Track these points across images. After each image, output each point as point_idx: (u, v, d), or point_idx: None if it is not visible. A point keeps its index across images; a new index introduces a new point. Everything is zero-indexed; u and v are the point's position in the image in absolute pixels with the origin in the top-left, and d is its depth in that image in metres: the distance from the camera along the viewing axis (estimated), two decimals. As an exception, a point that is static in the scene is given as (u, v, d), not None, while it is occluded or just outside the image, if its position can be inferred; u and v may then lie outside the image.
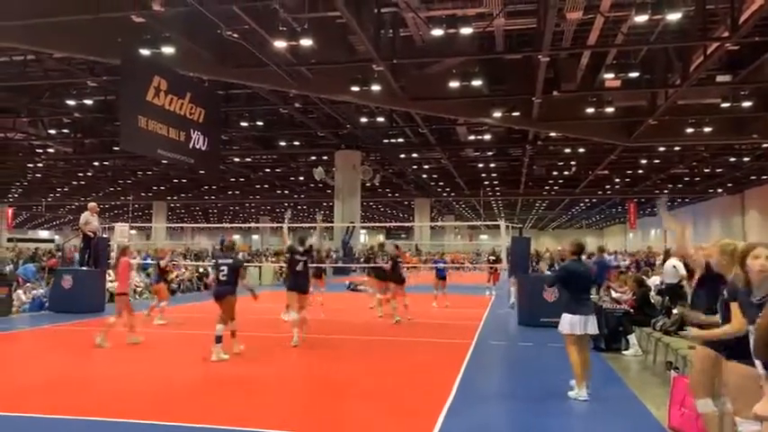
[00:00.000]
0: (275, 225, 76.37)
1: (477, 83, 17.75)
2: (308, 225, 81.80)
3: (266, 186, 49.59)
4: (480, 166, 38.39)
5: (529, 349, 9.46)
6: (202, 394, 6.32)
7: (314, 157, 35.66)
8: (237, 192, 53.53)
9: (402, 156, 35.39)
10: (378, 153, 34.63)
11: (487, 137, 28.95)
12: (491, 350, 9.46)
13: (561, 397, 6.13)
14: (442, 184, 47.02)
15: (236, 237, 77.10)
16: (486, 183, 45.54)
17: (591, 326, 6.16)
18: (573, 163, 36.41)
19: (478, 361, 8.39)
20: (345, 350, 9.32)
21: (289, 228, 11.51)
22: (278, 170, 41.61)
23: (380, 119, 25.54)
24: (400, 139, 31.09)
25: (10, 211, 60.43)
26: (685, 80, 16.36)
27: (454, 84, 17.88)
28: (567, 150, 31.75)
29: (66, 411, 5.47)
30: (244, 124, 26.99)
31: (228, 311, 8.28)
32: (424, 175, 42.79)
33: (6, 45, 17.57)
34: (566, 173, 39.74)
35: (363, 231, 64.03)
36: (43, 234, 76.10)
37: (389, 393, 6.41)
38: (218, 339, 8.03)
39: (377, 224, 74.27)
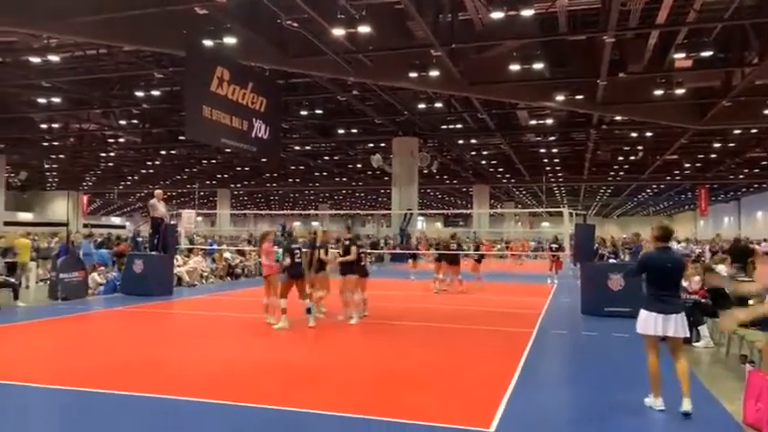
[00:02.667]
0: (335, 212, 77.45)
1: (538, 66, 17.28)
2: (364, 212, 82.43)
3: (325, 174, 50.21)
4: (542, 151, 37.53)
5: (593, 339, 9.22)
6: (260, 377, 6.48)
7: (372, 145, 35.79)
8: (297, 179, 54.46)
9: (460, 142, 35.02)
10: (435, 139, 34.39)
11: (549, 121, 28.24)
12: (553, 339, 9.28)
13: (626, 387, 5.94)
14: (501, 170, 46.27)
15: (297, 224, 78.66)
16: (548, 168, 44.50)
17: (673, 327, 5.17)
18: (640, 147, 35.04)
19: (540, 349, 8.24)
20: (405, 336, 9.35)
21: (348, 216, 12.18)
22: (336, 158, 42.03)
23: (438, 105, 25.31)
24: (459, 125, 30.76)
25: (85, 198, 63.76)
26: (763, 58, 15.39)
27: (515, 67, 17.49)
28: (634, 134, 30.59)
29: (146, 389, 5.72)
30: (303, 113, 27.36)
31: (303, 288, 9.61)
32: (483, 162, 42.22)
33: (81, 40, 18.43)
34: (632, 158, 38.33)
35: (421, 219, 63.98)
36: (115, 220, 79.85)
37: (450, 379, 6.39)
38: (309, 311, 9.54)
39: (434, 211, 74.00)
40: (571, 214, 15.28)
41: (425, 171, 34.59)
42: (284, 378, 6.38)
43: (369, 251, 14.24)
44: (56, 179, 57.31)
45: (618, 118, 25.90)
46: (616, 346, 8.56)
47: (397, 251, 28.79)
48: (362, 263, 10.83)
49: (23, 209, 61.10)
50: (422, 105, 25.62)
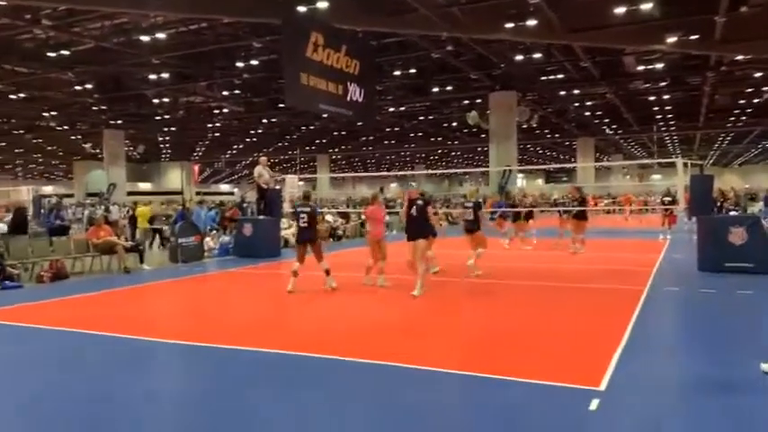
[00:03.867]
0: (431, 172, 77.18)
1: (646, 6, 16.02)
2: (461, 171, 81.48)
3: (420, 134, 49.99)
4: (652, 98, 35.02)
5: (711, 297, 8.63)
6: (367, 334, 6.65)
7: (467, 102, 35.04)
8: (393, 141, 54.65)
9: (562, 93, 33.42)
10: (535, 92, 33.06)
11: (660, 66, 26.19)
12: (666, 297, 8.79)
13: (746, 348, 5.52)
14: (607, 120, 43.84)
15: (394, 185, 79.27)
16: (659, 117, 41.57)
17: None
18: (765, 89, 31.76)
19: (652, 308, 7.84)
20: (509, 295, 9.23)
21: (444, 175, 11.87)
22: (431, 117, 41.62)
23: (537, 55, 24.21)
24: (559, 76, 29.30)
25: (196, 167, 67.82)
26: None
27: (620, 9, 16.33)
28: (758, 75, 27.72)
29: (264, 345, 6.08)
30: (397, 73, 27.19)
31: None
32: (587, 113, 40.14)
33: (184, 15, 19.29)
34: (756, 100, 34.85)
35: (521, 175, 62.31)
36: (224, 187, 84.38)
37: (556, 338, 6.24)
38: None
39: (535, 167, 71.75)
40: (685, 165, 14.19)
41: (524, 126, 33.46)
42: (389, 335, 6.51)
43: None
44: (169, 150, 61.20)
45: (739, 57, 23.53)
46: (738, 305, 7.98)
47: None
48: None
49: (142, 179, 66.11)
50: (519, 57, 24.63)
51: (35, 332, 7.01)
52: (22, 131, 43.69)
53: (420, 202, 9.11)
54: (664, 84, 30.98)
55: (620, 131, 47.60)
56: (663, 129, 45.47)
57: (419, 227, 8.98)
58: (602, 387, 4.59)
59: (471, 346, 6.06)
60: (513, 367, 5.16)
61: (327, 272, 9.38)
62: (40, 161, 64.41)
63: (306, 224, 9.40)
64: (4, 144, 51.10)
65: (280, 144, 55.35)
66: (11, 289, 10.15)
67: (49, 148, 54.24)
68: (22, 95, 31.41)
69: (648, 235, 19.32)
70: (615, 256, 13.77)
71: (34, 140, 48.63)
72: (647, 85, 31.42)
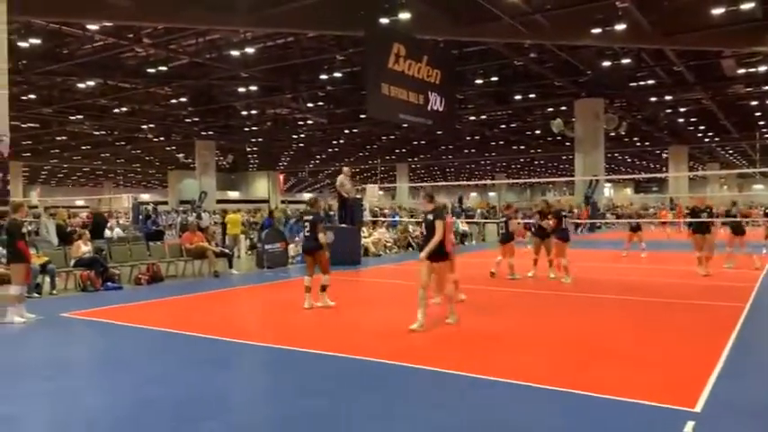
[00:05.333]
0: (512, 181, 75.75)
1: (747, 6, 15.04)
2: (545, 180, 79.41)
3: (501, 143, 49.28)
4: (753, 103, 32.81)
5: (823, 317, 7.94)
6: (447, 343, 6.59)
7: (551, 109, 34.24)
8: (473, 149, 54.19)
9: (652, 99, 31.98)
10: (623, 99, 31.83)
11: (763, 68, 24.51)
12: (771, 316, 8.16)
13: None
14: (702, 128, 41.47)
15: (473, 194, 78.48)
16: (762, 123, 38.84)
17: None
18: None
19: (754, 327, 7.30)
20: (598, 309, 8.89)
21: (527, 184, 11.42)
22: (513, 125, 40.96)
23: (626, 60, 23.33)
24: (650, 81, 28.08)
25: (281, 177, 70.08)
26: None
27: (717, 10, 15.46)
28: None
29: (340, 350, 6.18)
30: (478, 81, 27.00)
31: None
32: (680, 119, 38.15)
33: (271, 30, 20.07)
34: None
35: (608, 185, 60.00)
36: (307, 196, 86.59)
37: (649, 354, 5.94)
38: (323, 288, 8.67)
39: (623, 176, 68.83)
40: (792, 173, 13.17)
41: (612, 134, 32.23)
42: (477, 345, 6.43)
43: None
44: (256, 160, 63.67)
45: None
46: None
47: (583, 220, 27.37)
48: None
49: (231, 188, 69.09)
50: (606, 63, 23.82)
51: (133, 331, 7.47)
52: (123, 143, 46.89)
53: (430, 216, 7.24)
54: (767, 87, 28.94)
55: (716, 138, 44.87)
56: (766, 135, 42.41)
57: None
58: (698, 409, 4.33)
59: (559, 360, 5.86)
60: (602, 383, 4.96)
61: (324, 288, 8.62)
62: (139, 170, 68.85)
63: (308, 233, 8.81)
64: (107, 154, 55.07)
65: (361, 154, 56.25)
66: (112, 290, 10.87)
67: (147, 158, 57.90)
68: (124, 109, 33.76)
69: (751, 249, 18.05)
70: (714, 270, 12.94)
71: (133, 151, 52.05)
72: (749, 89, 29.48)
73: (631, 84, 28.59)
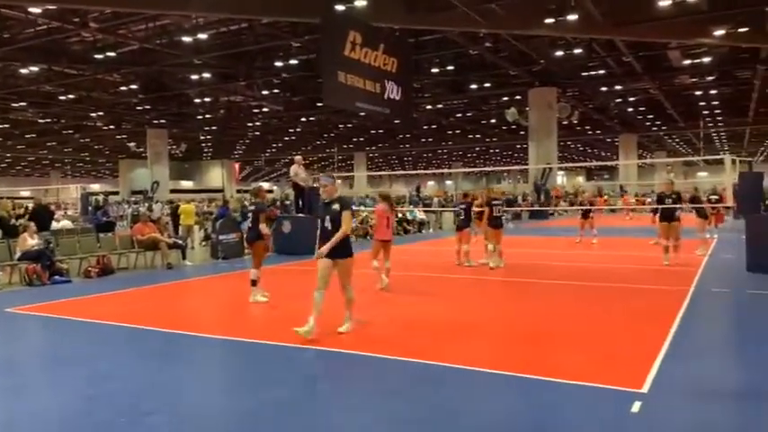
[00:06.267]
0: (468, 170, 76.60)
1: (693, -2, 15.53)
2: (500, 169, 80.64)
3: (458, 132, 49.73)
4: (698, 93, 34.03)
5: (760, 298, 8.33)
6: (406, 332, 6.64)
7: (506, 98, 34.71)
8: (430, 139, 54.52)
9: (603, 89, 32.78)
10: (576, 88, 32.51)
11: (707, 59, 25.45)
12: (712, 298, 8.52)
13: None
14: (650, 117, 42.78)
15: (431, 183, 79.05)
16: (706, 113, 40.36)
17: None
18: (820, 81, 30.47)
19: (697, 309, 7.62)
20: (548, 295, 9.10)
21: (483, 173, 11.54)
22: (469, 114, 41.38)
23: (578, 51, 23.83)
24: (601, 71, 28.77)
25: (237, 165, 68.98)
26: None
27: (665, 2, 15.97)
28: (813, 67, 26.62)
29: (293, 340, 6.15)
30: (434, 70, 27.13)
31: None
32: (630, 109, 39.28)
33: (224, 16, 19.62)
34: (810, 94, 33.49)
35: (561, 173, 61.33)
36: (264, 185, 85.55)
37: (597, 338, 6.14)
38: (254, 283, 8.38)
39: (575, 164, 70.47)
40: (733, 162, 13.73)
41: (565, 122, 32.92)
42: (430, 333, 6.49)
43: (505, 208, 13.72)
44: (210, 149, 62.46)
45: (792, 49, 22.70)
46: (790, 307, 7.68)
47: (535, 208, 27.94)
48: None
49: (185, 177, 67.62)
50: (559, 53, 24.28)
51: (83, 325, 7.25)
52: (71, 131, 45.25)
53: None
54: (711, 78, 30.06)
55: (664, 128, 46.37)
56: (710, 125, 44.08)
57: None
58: (645, 389, 4.49)
59: (509, 345, 6.00)
60: (552, 368, 5.08)
61: (254, 282, 8.39)
62: (88, 160, 66.61)
63: (251, 223, 8.54)
64: (54, 143, 53.03)
65: (318, 142, 55.86)
66: (60, 284, 10.52)
67: (96, 147, 56.03)
68: (70, 96, 32.54)
69: (693, 235, 18.80)
70: (658, 255, 13.42)
71: (82, 140, 50.32)
72: (694, 80, 30.56)
73: (583, 73, 29.23)
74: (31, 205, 16.45)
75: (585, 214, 16.54)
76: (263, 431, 3.98)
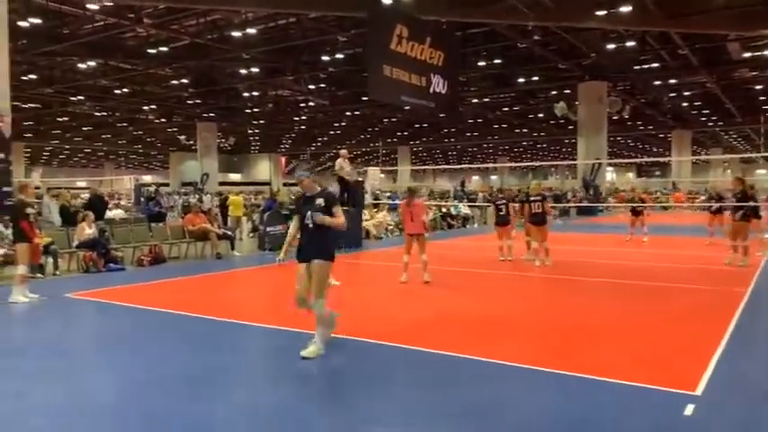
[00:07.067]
0: (515, 164, 75.52)
1: (756, -14, 14.86)
2: (547, 164, 79.21)
3: (504, 126, 49.05)
4: (758, 87, 32.57)
5: (824, 302, 7.96)
6: (443, 326, 6.62)
7: (554, 92, 34.04)
8: (476, 133, 53.96)
9: (657, 83, 31.76)
10: (627, 82, 31.61)
11: (768, 52, 24.33)
12: (771, 301, 8.18)
13: None
14: (706, 112, 41.23)
15: (475, 177, 78.30)
16: (767, 107, 38.60)
17: None
18: None
19: (756, 311, 7.33)
20: (597, 292, 8.92)
21: (529, 168, 11.40)
22: (516, 108, 40.74)
23: (630, 43, 23.13)
24: (654, 64, 27.86)
25: (283, 159, 69.93)
26: None
27: (725, -9, 15.23)
28: None
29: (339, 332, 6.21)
30: (481, 63, 26.80)
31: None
32: (684, 104, 37.92)
33: (273, 11, 19.87)
34: None
35: (610, 169, 59.83)
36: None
37: (649, 338, 5.97)
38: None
39: (626, 160, 68.62)
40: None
41: (615, 117, 32.07)
42: (471, 327, 6.46)
43: (552, 204, 13.48)
44: (258, 143, 63.47)
45: None
46: None
47: (583, 204, 27.35)
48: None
49: (233, 170, 68.99)
50: (611, 45, 23.62)
51: (136, 312, 7.51)
52: (125, 124, 46.75)
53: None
54: (773, 71, 28.74)
55: (720, 123, 44.61)
56: (771, 119, 42.19)
57: None
58: (699, 392, 4.36)
59: (558, 343, 5.89)
60: (599, 366, 4.98)
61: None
62: (140, 152, 68.69)
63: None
64: (109, 136, 54.91)
65: (362, 136, 56.05)
66: (115, 271, 10.92)
67: (149, 139, 57.72)
68: (125, 90, 33.60)
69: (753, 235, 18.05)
70: (713, 255, 12.94)
71: (135, 132, 51.90)
72: (754, 73, 29.24)
73: (635, 67, 28.38)
74: (86, 195, 17.14)
75: (636, 211, 16.10)
76: (307, 421, 4.05)
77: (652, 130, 48.66)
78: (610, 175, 52.94)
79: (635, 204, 16.55)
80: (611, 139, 41.57)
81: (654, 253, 13.66)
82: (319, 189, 5.53)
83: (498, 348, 5.56)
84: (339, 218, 5.41)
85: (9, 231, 9.25)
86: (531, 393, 4.53)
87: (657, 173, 75.13)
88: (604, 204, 28.56)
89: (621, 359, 5.24)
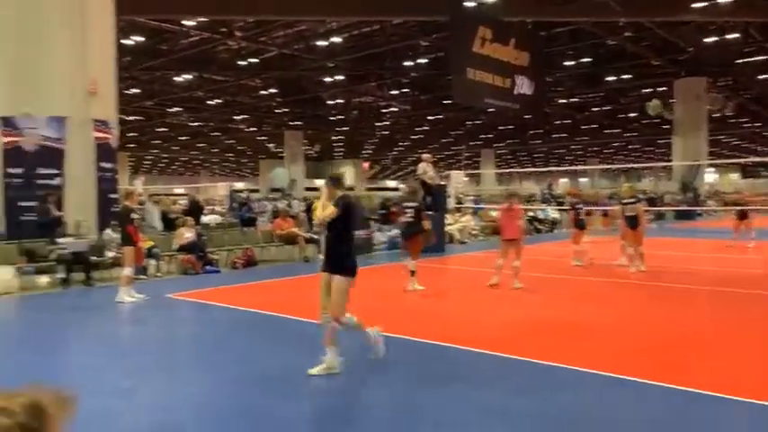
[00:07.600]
0: (605, 166, 72.57)
1: None
2: (640, 166, 75.52)
3: (593, 126, 47.31)
4: None
5: None
6: (537, 333, 6.46)
7: (647, 90, 32.44)
8: (563, 134, 52.36)
9: (762, 77, 29.54)
10: (729, 77, 29.62)
11: None
12: None
13: None
14: (819, 106, 37.85)
15: (563, 180, 75.96)
16: None
17: None
18: None
19: None
20: (694, 300, 8.41)
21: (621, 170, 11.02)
22: (606, 108, 39.19)
23: (732, 36, 21.66)
24: (759, 57, 25.91)
25: (366, 164, 70.91)
26: None
27: (843, -26, 13.97)
28: None
29: (429, 337, 6.21)
30: (568, 63, 26.03)
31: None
32: (795, 98, 35.06)
33: (356, 18, 20.25)
34: None
35: (711, 170, 56.23)
36: (390, 184, 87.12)
37: (755, 350, 5.55)
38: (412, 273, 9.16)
39: (729, 161, 64.15)
40: None
41: (716, 115, 30.12)
42: (562, 335, 6.28)
43: (647, 208, 12.88)
44: (341, 149, 64.76)
45: None
46: None
47: (681, 208, 25.87)
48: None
49: (318, 176, 70.75)
50: (709, 39, 22.24)
51: (231, 312, 7.86)
52: (218, 133, 49.14)
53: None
54: None
55: (838, 118, 40.85)
56: None
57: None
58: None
59: (659, 354, 5.57)
60: (702, 379, 4.69)
61: (412, 273, 9.17)
62: (232, 160, 71.90)
63: (411, 218, 9.56)
64: (203, 144, 57.90)
65: (444, 140, 55.85)
66: (211, 273, 11.48)
67: (239, 147, 60.32)
68: (218, 101, 35.33)
69: None
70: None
71: (227, 141, 54.40)
72: None
73: (738, 61, 26.54)
74: (184, 201, 18.14)
75: (742, 215, 15.04)
76: (393, 425, 4.07)
77: (758, 128, 45.32)
78: (711, 176, 49.72)
79: (740, 207, 15.46)
80: (713, 137, 39.08)
81: (760, 259, 12.69)
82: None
83: (602, 359, 5.35)
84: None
85: (117, 235, 9.94)
86: (637, 406, 4.32)
87: (765, 173, 69.78)
88: (704, 208, 26.90)
89: (731, 373, 4.90)
